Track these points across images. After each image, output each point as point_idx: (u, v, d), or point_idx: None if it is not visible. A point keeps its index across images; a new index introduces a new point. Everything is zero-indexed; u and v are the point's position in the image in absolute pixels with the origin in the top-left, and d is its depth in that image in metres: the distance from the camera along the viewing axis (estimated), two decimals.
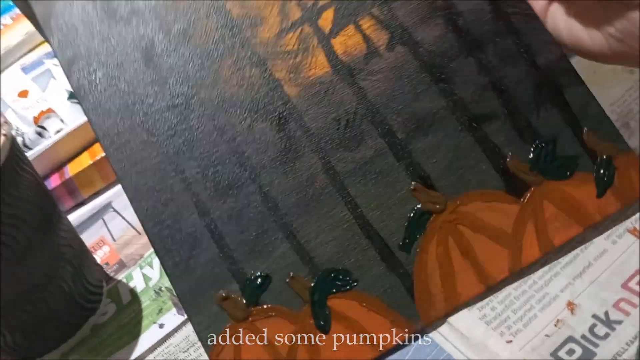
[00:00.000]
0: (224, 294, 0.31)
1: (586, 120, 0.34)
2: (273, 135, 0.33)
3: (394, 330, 0.31)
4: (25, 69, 0.58)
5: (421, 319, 0.31)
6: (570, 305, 0.32)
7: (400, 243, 0.32)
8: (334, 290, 0.32)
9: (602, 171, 0.33)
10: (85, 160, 0.46)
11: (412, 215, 0.32)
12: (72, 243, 0.36)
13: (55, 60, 0.55)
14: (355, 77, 0.34)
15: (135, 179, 0.32)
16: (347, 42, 0.35)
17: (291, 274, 0.32)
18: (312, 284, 0.32)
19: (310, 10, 0.35)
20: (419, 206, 0.33)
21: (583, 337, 0.30)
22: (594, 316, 0.31)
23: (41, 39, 0.65)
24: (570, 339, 0.30)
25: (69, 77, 0.34)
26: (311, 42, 0.35)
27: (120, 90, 0.33)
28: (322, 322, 0.31)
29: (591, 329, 0.31)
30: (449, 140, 0.33)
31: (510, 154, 0.33)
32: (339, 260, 0.32)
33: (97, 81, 0.34)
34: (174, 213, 0.32)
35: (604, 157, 0.33)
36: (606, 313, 0.31)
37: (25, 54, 0.63)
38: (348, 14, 0.35)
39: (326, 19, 0.35)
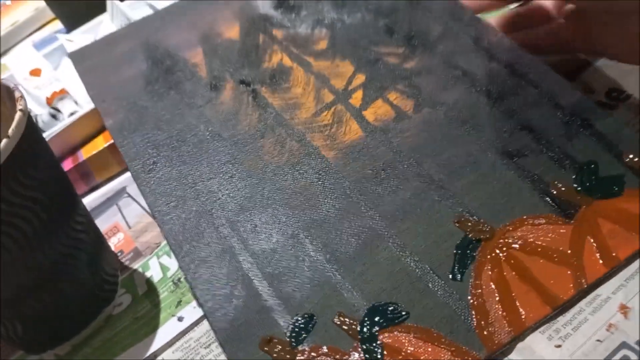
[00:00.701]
0: (267, 337, 0.30)
1: (622, 144, 0.34)
2: (314, 189, 0.35)
3: None
4: (37, 46, 0.56)
5: (485, 347, 0.28)
6: (623, 309, 0.30)
7: (450, 273, 0.31)
8: (385, 324, 0.30)
9: None
10: (99, 143, 0.44)
11: (459, 244, 0.32)
12: (88, 229, 0.34)
13: (68, 36, 0.53)
14: (387, 136, 0.37)
15: (180, 230, 0.35)
16: (377, 112, 0.39)
17: (337, 311, 0.30)
18: (360, 320, 0.30)
19: (341, 93, 0.40)
20: (465, 235, 0.32)
21: (638, 343, 0.28)
22: None
23: (52, 15, 0.63)
24: (624, 345, 0.28)
25: (130, 169, 0.38)
26: (344, 116, 0.39)
27: (174, 169, 0.38)
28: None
29: None
30: (487, 177, 0.34)
31: (553, 180, 0.33)
32: (388, 296, 0.31)
33: (154, 170, 0.38)
34: (222, 269, 0.33)
35: None
36: None
37: (36, 31, 0.61)
38: (376, 92, 0.40)
39: (356, 98, 0.40)
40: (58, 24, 0.62)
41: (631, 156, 0.34)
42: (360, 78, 0.41)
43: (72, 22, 0.57)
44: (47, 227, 0.30)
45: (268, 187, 0.36)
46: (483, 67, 0.40)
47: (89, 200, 0.43)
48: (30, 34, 0.62)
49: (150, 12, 0.54)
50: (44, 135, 0.42)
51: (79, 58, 0.46)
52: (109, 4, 0.53)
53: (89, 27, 0.54)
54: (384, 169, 0.36)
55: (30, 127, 0.29)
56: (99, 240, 0.36)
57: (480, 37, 0.41)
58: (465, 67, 0.40)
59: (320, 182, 0.36)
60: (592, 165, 0.34)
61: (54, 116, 0.44)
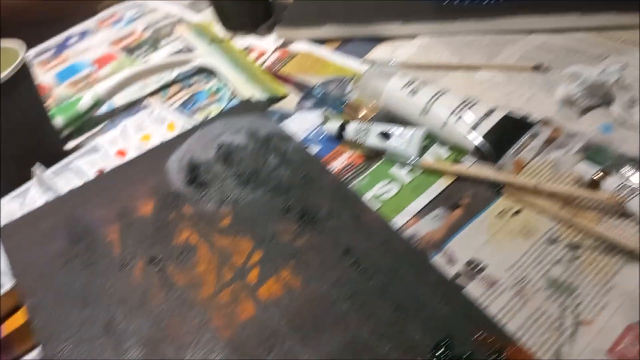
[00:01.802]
0: None
1: (471, 321, 0.40)
2: None
3: None
4: None
5: None
6: None
7: None
8: None
9: None
10: (19, 319, 0.47)
11: None
12: None
13: None
14: (278, 314, 0.42)
15: None
16: (270, 289, 0.44)
17: None
18: None
19: (240, 271, 0.45)
20: None
21: None
22: None
23: None
24: None
25: (44, 354, 0.42)
26: (241, 294, 0.44)
27: (83, 354, 0.41)
28: None
29: None
30: (364, 357, 0.39)
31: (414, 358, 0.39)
32: None
33: (65, 353, 0.41)
34: None
35: (495, 349, 0.38)
36: None
37: None
38: (270, 270, 0.45)
39: (253, 275, 0.45)
40: None
41: (479, 333, 0.40)
42: (257, 255, 0.47)
43: (5, 185, 0.61)
44: None
45: None
46: (361, 245, 0.46)
47: None
48: None
49: (73, 178, 0.58)
50: None
51: (8, 233, 0.50)
52: (34, 174, 0.57)
53: (19, 192, 0.58)
54: (273, 348, 0.40)
55: None
56: None
57: (360, 215, 0.48)
58: (348, 245, 0.46)
59: None
60: (448, 343, 0.39)
61: None
